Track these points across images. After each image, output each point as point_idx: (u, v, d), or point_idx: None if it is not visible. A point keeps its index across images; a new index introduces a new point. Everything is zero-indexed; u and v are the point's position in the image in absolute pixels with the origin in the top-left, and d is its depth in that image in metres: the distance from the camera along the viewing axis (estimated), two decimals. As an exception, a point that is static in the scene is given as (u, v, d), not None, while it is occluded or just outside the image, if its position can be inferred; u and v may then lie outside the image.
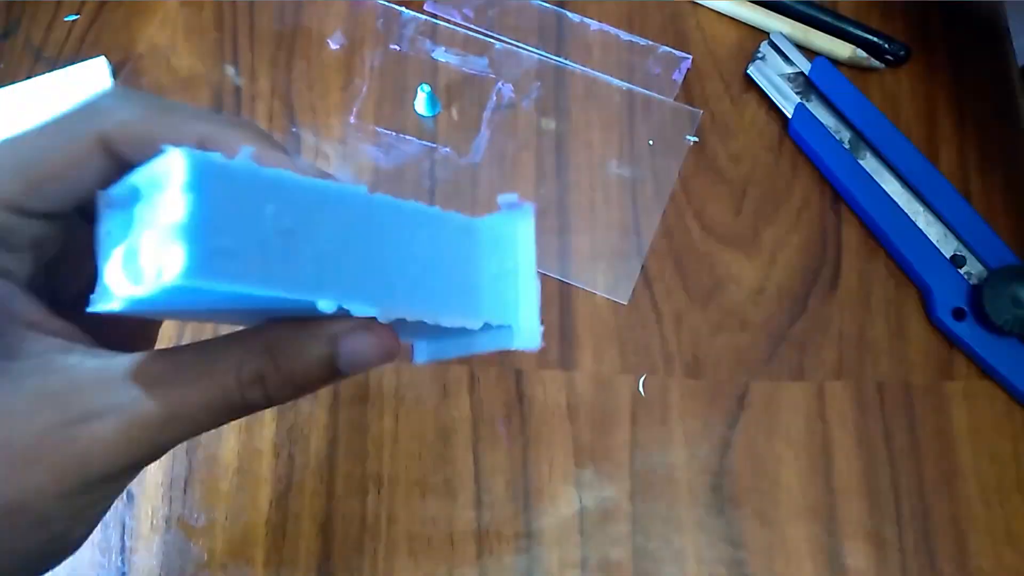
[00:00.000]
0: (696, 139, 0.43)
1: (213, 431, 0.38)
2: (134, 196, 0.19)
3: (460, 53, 0.44)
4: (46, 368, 0.20)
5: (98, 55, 0.44)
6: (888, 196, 0.40)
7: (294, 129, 0.43)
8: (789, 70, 0.43)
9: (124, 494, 0.36)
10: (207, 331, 0.38)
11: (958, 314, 0.39)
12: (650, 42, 0.44)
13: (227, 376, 0.20)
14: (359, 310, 0.20)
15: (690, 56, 0.44)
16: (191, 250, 0.16)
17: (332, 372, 0.21)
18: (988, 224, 0.40)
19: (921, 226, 0.40)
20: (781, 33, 0.43)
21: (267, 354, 0.21)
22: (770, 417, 0.38)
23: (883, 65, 0.44)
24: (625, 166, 0.42)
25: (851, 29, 0.44)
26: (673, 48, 0.44)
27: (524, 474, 0.37)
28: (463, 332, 0.26)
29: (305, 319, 0.21)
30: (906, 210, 0.40)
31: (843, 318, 0.40)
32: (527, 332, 0.26)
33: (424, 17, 0.45)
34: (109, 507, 0.23)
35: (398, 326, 0.22)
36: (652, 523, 0.36)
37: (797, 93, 0.42)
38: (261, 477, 0.37)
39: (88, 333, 0.22)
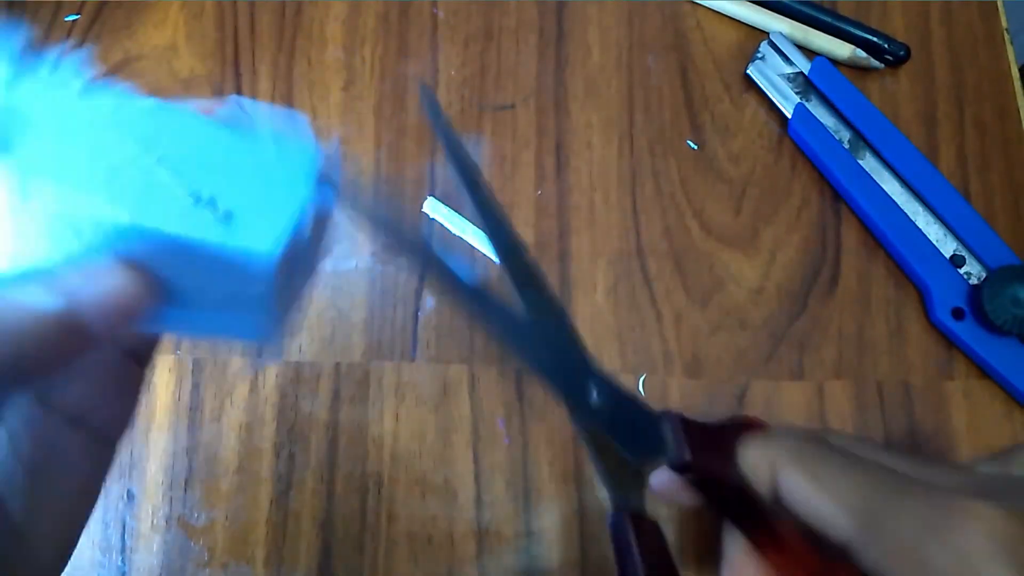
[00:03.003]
0: (696, 146, 0.43)
1: (215, 431, 0.38)
2: None
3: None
4: None
5: (98, 55, 0.44)
6: (888, 196, 0.40)
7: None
8: (789, 70, 0.43)
9: (124, 493, 0.37)
10: None
11: (957, 314, 0.39)
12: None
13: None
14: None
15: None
16: None
17: (69, 327, 0.17)
18: (988, 224, 0.40)
19: (920, 226, 0.40)
20: (781, 33, 0.43)
21: None
22: (770, 417, 0.38)
23: (883, 65, 0.44)
24: (626, 166, 0.42)
25: (851, 29, 0.44)
26: (672, 48, 0.44)
27: (524, 474, 0.37)
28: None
29: None
30: (905, 210, 0.40)
31: (842, 318, 0.40)
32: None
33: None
34: None
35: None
36: (652, 523, 0.36)
37: (797, 93, 0.42)
38: (261, 476, 0.37)
39: None
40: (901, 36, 0.44)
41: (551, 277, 0.40)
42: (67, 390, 0.22)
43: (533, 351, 0.24)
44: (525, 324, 0.24)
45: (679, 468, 0.25)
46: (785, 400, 0.38)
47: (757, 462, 0.24)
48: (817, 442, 0.24)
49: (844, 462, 0.23)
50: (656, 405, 0.25)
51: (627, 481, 0.25)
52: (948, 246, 0.40)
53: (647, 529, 0.26)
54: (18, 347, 0.16)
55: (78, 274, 0.17)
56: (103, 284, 0.17)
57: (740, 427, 0.27)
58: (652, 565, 0.25)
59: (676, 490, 0.27)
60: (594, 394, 0.24)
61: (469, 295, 0.24)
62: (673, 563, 0.26)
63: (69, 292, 0.17)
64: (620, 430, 0.24)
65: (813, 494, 0.22)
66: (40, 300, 0.17)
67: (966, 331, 0.38)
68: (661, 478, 0.26)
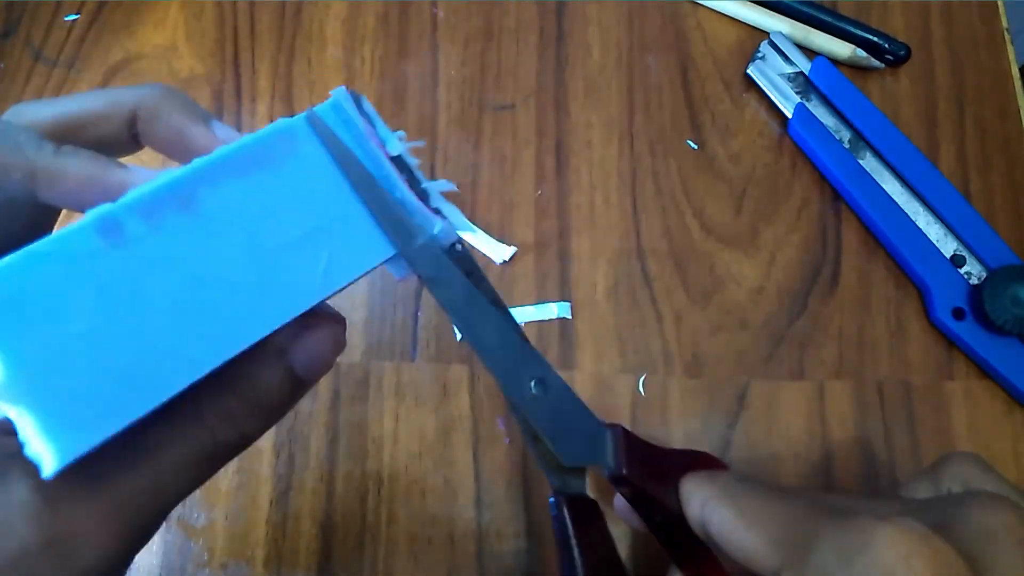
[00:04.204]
0: (696, 146, 0.43)
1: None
2: None
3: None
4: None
5: (98, 55, 0.44)
6: (888, 196, 0.40)
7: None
8: (789, 70, 0.43)
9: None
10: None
11: (958, 314, 0.39)
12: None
13: (196, 427, 0.19)
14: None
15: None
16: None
17: (296, 384, 0.21)
18: (988, 224, 0.40)
19: (921, 226, 0.40)
20: (781, 33, 0.43)
21: (228, 391, 0.20)
22: (770, 417, 0.38)
23: (883, 65, 0.44)
24: (626, 166, 0.42)
25: (851, 29, 0.44)
26: (673, 48, 0.44)
27: (524, 474, 0.37)
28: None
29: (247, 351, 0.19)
30: (906, 210, 0.40)
31: (843, 318, 0.40)
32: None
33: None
34: None
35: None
36: (652, 523, 0.36)
37: (797, 93, 0.42)
38: (261, 476, 0.37)
39: None
40: (901, 36, 0.44)
41: (551, 277, 0.40)
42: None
43: (479, 329, 0.24)
44: (475, 301, 0.24)
45: (614, 480, 0.26)
46: (785, 400, 0.38)
47: (690, 496, 0.25)
48: (749, 481, 0.24)
49: (769, 495, 0.23)
50: (604, 417, 0.26)
51: (565, 467, 0.26)
52: (948, 246, 0.40)
53: (586, 511, 0.26)
54: (272, 411, 0.22)
55: (294, 343, 0.21)
56: (310, 345, 0.21)
57: (690, 459, 0.27)
58: (590, 547, 0.25)
59: (627, 512, 0.28)
60: (531, 386, 0.25)
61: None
62: (612, 544, 0.27)
63: (286, 355, 0.21)
64: (557, 428, 0.25)
65: (737, 527, 0.22)
66: (271, 371, 0.21)
67: (966, 331, 0.38)
68: (618, 501, 0.27)
